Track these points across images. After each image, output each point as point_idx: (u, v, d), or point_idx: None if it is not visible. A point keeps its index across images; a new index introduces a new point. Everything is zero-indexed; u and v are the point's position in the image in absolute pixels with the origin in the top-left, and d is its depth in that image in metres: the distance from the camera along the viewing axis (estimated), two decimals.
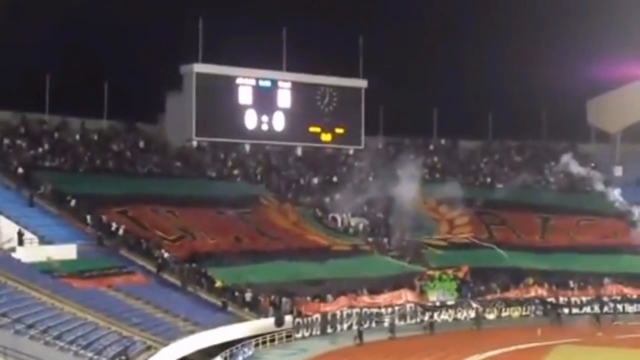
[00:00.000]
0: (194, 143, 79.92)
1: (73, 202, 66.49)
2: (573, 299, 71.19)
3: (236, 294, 61.90)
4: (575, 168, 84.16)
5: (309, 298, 62.91)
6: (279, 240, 71.64)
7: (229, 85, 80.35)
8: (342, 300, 63.96)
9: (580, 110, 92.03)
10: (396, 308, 65.96)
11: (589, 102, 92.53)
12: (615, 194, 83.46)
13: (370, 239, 76.37)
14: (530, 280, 71.71)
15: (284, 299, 62.10)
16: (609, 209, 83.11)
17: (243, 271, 64.44)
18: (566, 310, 69.54)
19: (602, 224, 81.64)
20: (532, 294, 70.90)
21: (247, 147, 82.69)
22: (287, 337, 59.66)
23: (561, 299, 70.76)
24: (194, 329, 54.19)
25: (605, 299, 71.56)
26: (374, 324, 64.48)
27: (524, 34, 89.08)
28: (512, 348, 57.44)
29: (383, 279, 69.04)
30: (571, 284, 72.31)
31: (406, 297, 67.18)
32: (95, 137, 77.25)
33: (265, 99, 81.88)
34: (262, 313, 60.72)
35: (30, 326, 42.64)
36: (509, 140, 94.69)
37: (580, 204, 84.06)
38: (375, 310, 65.12)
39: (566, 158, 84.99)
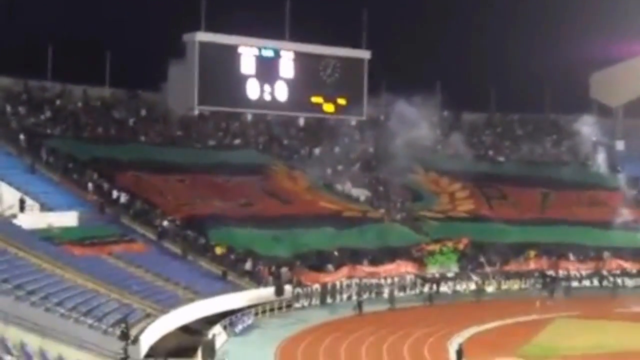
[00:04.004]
0: (196, 112, 79.81)
1: (74, 170, 66.57)
2: (573, 273, 71.47)
3: (237, 261, 62.01)
4: (588, 130, 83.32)
5: (306, 269, 62.98)
6: (290, 205, 71.86)
7: (231, 55, 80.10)
8: (343, 270, 64.12)
9: (583, 84, 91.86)
10: (396, 279, 66.21)
11: (592, 76, 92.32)
12: (599, 159, 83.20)
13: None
14: (532, 253, 71.90)
15: (283, 269, 62.21)
16: (611, 183, 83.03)
17: (254, 237, 64.57)
18: (565, 284, 69.65)
19: (603, 198, 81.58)
20: (532, 267, 71.15)
21: (249, 117, 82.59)
22: (287, 306, 59.88)
23: (561, 272, 71.02)
24: (193, 297, 54.32)
25: (604, 272, 71.83)
26: (373, 295, 64.73)
27: (527, 8, 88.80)
28: (511, 320, 57.61)
29: (390, 249, 69.21)
30: (571, 257, 72.55)
31: (406, 268, 67.38)
32: (98, 105, 77.16)
33: (267, 69, 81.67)
34: (261, 282, 60.87)
35: (31, 292, 42.74)
36: (512, 113, 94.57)
37: (582, 177, 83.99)
38: (375, 281, 65.37)
39: (581, 122, 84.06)
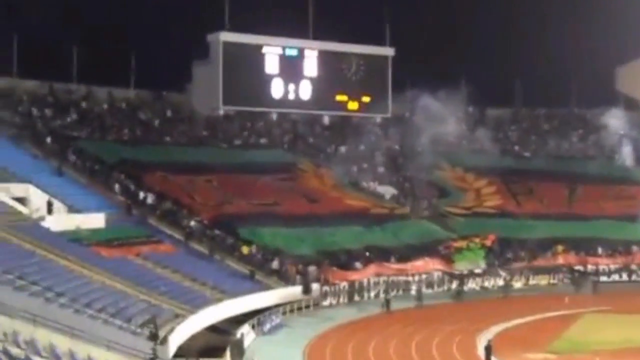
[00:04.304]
0: (221, 112, 79.93)
1: (101, 171, 66.86)
2: (601, 267, 71.09)
3: (264, 261, 62.05)
4: (614, 124, 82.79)
5: (334, 267, 63.00)
6: (317, 204, 72.03)
7: (255, 54, 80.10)
8: (371, 268, 64.03)
9: (609, 78, 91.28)
10: (423, 276, 66.08)
11: (618, 68, 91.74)
12: (626, 153, 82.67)
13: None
14: (560, 249, 71.61)
15: (311, 267, 62.20)
16: (638, 177, 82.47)
17: (282, 236, 64.75)
18: (594, 279, 69.27)
19: (630, 192, 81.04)
20: (560, 262, 70.83)
21: (274, 116, 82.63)
22: (315, 305, 59.89)
23: (589, 267, 70.68)
24: (221, 297, 54.38)
25: (633, 267, 71.40)
26: (401, 292, 64.63)
27: (552, 2, 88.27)
28: (540, 316, 57.38)
29: (417, 245, 69.14)
30: (599, 251, 72.19)
31: (433, 265, 67.22)
32: (123, 106, 77.47)
33: (291, 68, 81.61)
34: (289, 281, 60.88)
35: (59, 294, 42.86)
36: (538, 107, 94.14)
37: (609, 172, 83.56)
38: (402, 278, 65.26)
39: (608, 116, 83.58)
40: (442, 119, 78.61)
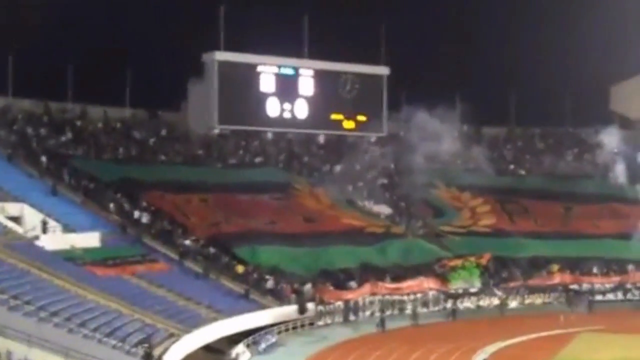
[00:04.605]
0: (216, 131, 79.95)
1: (96, 190, 66.79)
2: (597, 286, 71.03)
3: (259, 280, 61.96)
4: (609, 143, 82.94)
5: (329, 286, 62.93)
6: (312, 223, 71.87)
7: (251, 73, 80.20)
8: (366, 287, 63.97)
9: (603, 96, 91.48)
10: (418, 295, 65.99)
11: (613, 88, 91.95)
12: (621, 172, 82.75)
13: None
14: (555, 268, 71.58)
15: (306, 287, 62.14)
16: (633, 195, 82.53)
17: (278, 255, 64.66)
18: (589, 298, 69.21)
19: (625, 210, 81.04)
20: (556, 281, 70.76)
21: (270, 135, 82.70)
22: (310, 324, 59.76)
23: (584, 286, 70.61)
24: (216, 316, 54.35)
25: (629, 285, 71.35)
26: (396, 311, 64.53)
27: (546, 19, 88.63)
28: (535, 335, 57.30)
29: (412, 265, 69.05)
30: (595, 270, 72.14)
31: (428, 284, 67.16)
32: (118, 125, 77.45)
33: (287, 87, 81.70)
34: (284, 300, 60.79)
35: (54, 314, 42.86)
36: (533, 126, 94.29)
37: (604, 190, 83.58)
38: (397, 297, 65.16)
39: (602, 134, 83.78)
40: (437, 137, 78.74)
